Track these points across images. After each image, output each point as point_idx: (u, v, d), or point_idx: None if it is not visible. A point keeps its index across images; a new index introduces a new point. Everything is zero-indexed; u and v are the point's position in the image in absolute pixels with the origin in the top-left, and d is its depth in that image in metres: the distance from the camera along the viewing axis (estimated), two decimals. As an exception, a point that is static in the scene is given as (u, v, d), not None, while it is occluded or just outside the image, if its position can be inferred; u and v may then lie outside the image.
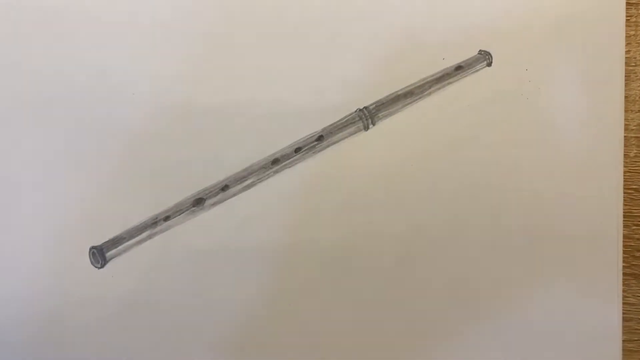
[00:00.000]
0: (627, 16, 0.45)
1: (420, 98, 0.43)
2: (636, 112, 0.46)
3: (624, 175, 0.45)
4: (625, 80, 0.45)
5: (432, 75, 0.43)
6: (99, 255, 0.43)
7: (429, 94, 0.44)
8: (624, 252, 0.45)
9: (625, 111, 0.45)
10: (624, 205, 0.45)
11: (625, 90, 0.45)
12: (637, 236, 0.46)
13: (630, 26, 0.45)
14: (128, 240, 0.43)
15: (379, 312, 0.44)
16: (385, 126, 0.44)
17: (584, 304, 0.44)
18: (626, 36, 0.45)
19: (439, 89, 0.44)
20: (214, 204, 0.43)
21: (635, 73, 0.46)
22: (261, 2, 0.43)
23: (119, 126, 0.43)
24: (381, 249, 0.44)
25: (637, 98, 0.46)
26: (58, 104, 0.43)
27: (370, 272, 0.44)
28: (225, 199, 0.43)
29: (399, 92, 0.43)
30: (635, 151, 0.46)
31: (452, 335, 0.45)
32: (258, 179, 0.43)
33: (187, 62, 0.43)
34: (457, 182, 0.44)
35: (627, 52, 0.45)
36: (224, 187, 0.43)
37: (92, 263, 0.43)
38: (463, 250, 0.44)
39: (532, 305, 0.45)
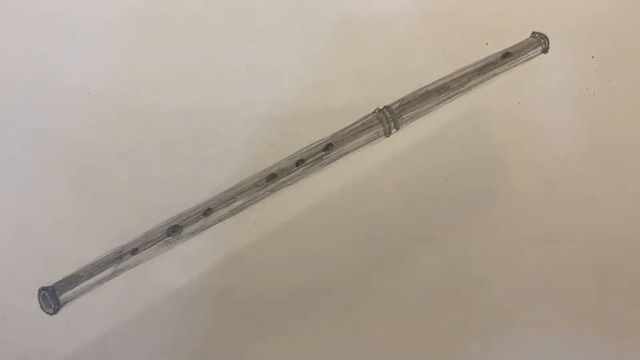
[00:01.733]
0: None
1: (457, 94, 0.36)
2: None
3: None
4: None
5: (473, 65, 0.36)
6: (51, 298, 0.36)
7: (469, 88, 0.36)
8: None
9: None
10: None
11: None
12: None
13: None
14: (87, 280, 0.36)
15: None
16: (412, 131, 0.36)
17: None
18: None
19: (482, 82, 0.36)
20: (194, 233, 0.36)
21: None
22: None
23: (72, 135, 0.35)
24: (408, 292, 0.36)
25: None
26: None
27: (394, 319, 0.36)
28: (207, 226, 0.36)
29: (430, 87, 0.36)
30: None
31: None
32: (250, 200, 0.35)
33: (157, 55, 0.35)
34: (505, 203, 0.36)
35: None
36: (206, 211, 0.36)
37: (42, 308, 0.36)
38: (513, 290, 0.36)
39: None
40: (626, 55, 0.36)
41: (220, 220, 0.35)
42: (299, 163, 0.35)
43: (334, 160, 0.35)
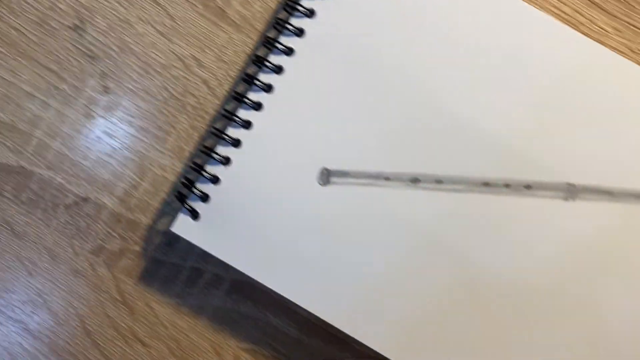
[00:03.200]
0: None
1: None
2: None
3: None
4: None
5: None
6: (327, 176, 0.45)
7: None
8: None
9: None
10: None
11: None
12: None
13: None
14: (356, 178, 0.45)
15: None
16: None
17: None
18: None
19: None
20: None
21: None
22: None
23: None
24: None
25: None
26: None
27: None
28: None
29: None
30: None
31: None
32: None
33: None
34: None
35: None
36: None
37: (318, 180, 0.46)
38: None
39: None
40: None
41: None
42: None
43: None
